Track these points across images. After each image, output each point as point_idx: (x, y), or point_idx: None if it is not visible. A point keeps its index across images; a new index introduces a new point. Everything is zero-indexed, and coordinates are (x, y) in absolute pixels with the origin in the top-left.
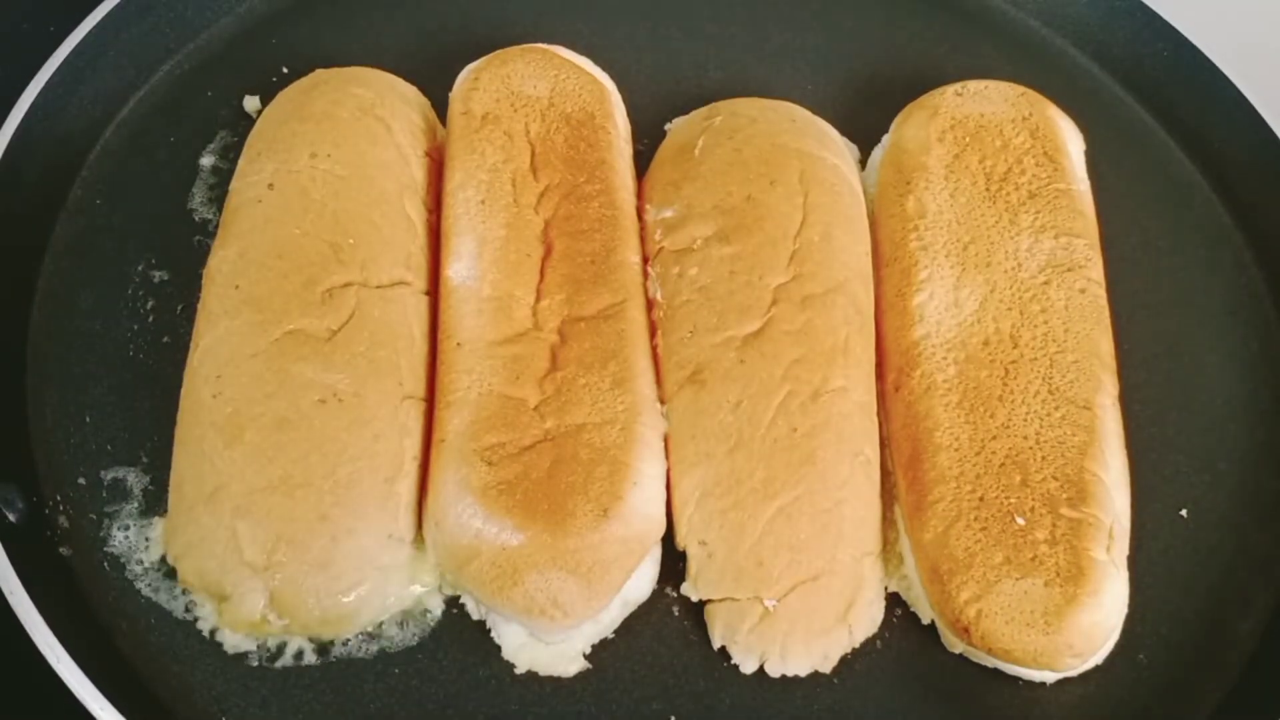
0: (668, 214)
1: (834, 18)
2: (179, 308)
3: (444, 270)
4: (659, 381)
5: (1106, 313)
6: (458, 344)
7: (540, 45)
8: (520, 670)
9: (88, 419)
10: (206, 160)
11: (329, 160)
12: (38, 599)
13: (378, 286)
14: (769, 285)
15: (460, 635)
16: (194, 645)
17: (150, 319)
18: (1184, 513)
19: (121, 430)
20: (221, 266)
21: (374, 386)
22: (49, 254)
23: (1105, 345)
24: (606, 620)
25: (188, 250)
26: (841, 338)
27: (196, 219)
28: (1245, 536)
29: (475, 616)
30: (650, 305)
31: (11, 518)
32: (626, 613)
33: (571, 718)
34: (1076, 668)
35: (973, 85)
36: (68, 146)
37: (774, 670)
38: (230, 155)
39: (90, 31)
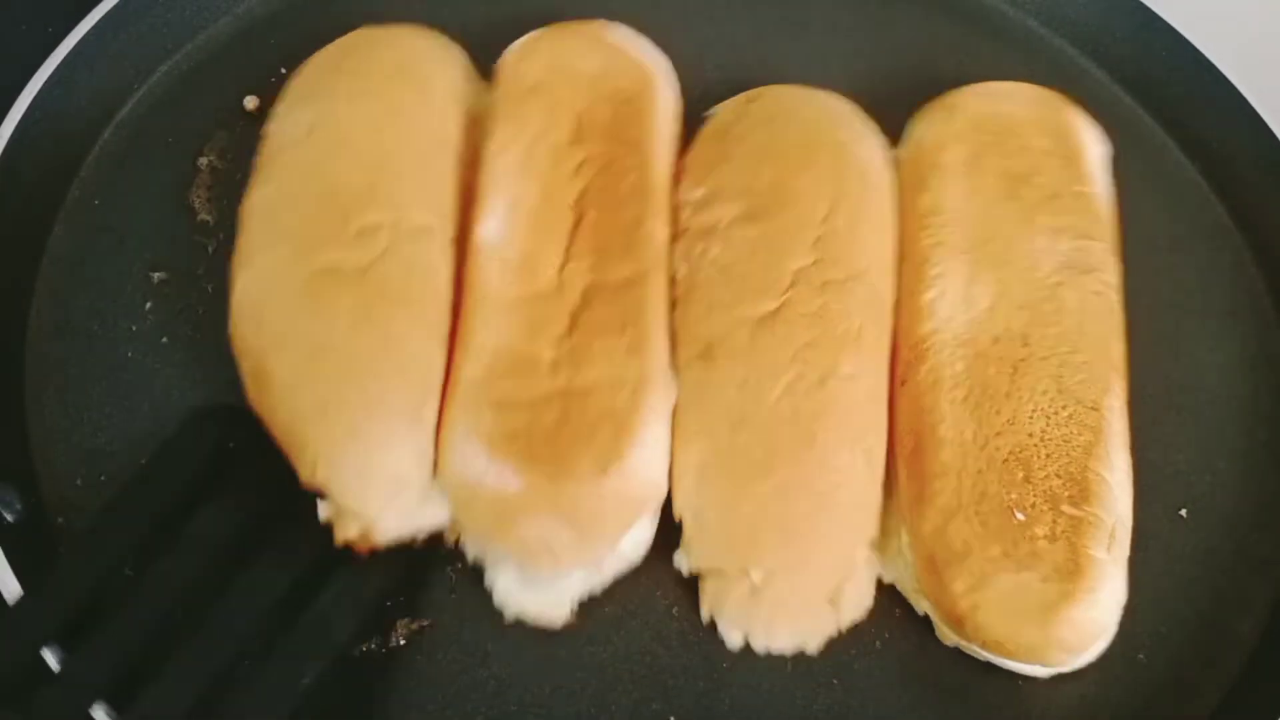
0: (698, 193)
1: (830, 19)
2: (178, 309)
3: (475, 227)
4: (673, 356)
5: (1120, 317)
6: (480, 298)
7: (596, 20)
8: (509, 618)
9: (86, 420)
10: (205, 161)
11: (367, 112)
12: None
13: (409, 229)
14: (789, 268)
15: (460, 636)
16: None
17: (149, 320)
18: (1184, 513)
19: (120, 432)
20: (260, 204)
21: (403, 318)
22: (47, 255)
23: (1117, 349)
24: (598, 576)
25: (186, 251)
26: (855, 325)
27: (196, 220)
28: (1245, 536)
29: (470, 558)
30: (673, 281)
31: (9, 518)
32: (618, 570)
33: (571, 718)
34: (1068, 664)
35: (993, 86)
36: (66, 147)
37: (759, 646)
38: (229, 156)
39: (88, 32)
